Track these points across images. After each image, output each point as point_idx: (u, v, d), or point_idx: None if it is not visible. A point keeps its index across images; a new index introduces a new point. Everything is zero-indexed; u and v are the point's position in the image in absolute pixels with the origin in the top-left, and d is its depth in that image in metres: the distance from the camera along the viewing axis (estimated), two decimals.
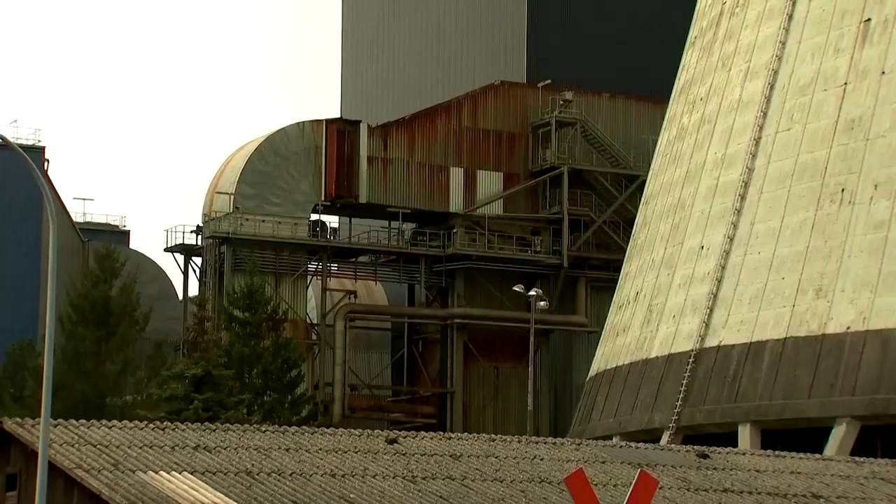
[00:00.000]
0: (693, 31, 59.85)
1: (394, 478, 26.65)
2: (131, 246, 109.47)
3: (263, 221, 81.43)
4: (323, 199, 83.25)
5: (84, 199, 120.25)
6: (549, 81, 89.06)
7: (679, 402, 48.33)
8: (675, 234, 54.47)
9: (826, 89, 48.66)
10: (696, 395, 48.31)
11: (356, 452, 28.28)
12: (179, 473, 24.61)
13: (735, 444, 43.63)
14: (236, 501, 23.45)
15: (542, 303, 68.22)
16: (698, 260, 51.63)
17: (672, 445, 42.31)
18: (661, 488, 21.84)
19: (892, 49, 47.23)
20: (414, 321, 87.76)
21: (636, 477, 17.18)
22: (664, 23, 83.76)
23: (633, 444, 38.94)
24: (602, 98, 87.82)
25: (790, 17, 51.19)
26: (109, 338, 64.66)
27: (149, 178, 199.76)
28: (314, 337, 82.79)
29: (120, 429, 27.87)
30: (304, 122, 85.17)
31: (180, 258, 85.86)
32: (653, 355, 52.02)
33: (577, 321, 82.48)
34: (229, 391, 56.91)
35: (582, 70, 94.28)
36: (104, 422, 29.37)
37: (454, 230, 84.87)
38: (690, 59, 59.15)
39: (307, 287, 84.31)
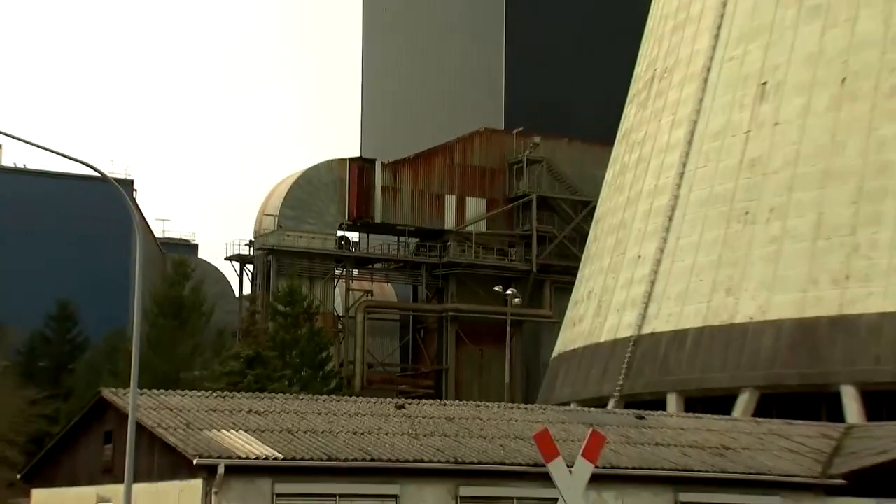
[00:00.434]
0: (632, 91, 59.82)
1: (401, 435, 26.62)
2: (199, 256, 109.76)
3: (301, 237, 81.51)
4: (346, 219, 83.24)
5: (163, 220, 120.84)
6: (521, 128, 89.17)
7: (622, 376, 48.32)
8: (618, 246, 54.36)
9: (733, 136, 48.62)
10: (635, 371, 48.29)
11: (372, 415, 28.23)
12: (236, 431, 24.60)
13: (664, 409, 43.75)
14: (280, 453, 23.45)
15: (516, 300, 68.22)
16: (636, 267, 51.55)
17: (616, 410, 42.49)
18: (608, 443, 21.88)
19: (782, 105, 47.13)
20: (417, 314, 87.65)
21: (588, 434, 17.19)
22: (610, 83, 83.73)
23: (586, 409, 39.15)
24: (563, 142, 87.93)
25: (705, 80, 51.33)
26: (182, 327, 64.60)
27: (213, 203, 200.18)
28: (340, 326, 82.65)
29: (190, 397, 27.89)
30: (332, 160, 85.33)
31: (237, 265, 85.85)
32: (601, 340, 52.00)
33: (543, 314, 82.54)
34: (274, 368, 56.92)
35: (548, 120, 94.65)
36: (178, 391, 29.44)
37: (448, 243, 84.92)
38: (630, 112, 59.09)
39: (334, 287, 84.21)
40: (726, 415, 39.57)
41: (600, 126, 78.66)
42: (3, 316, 70.37)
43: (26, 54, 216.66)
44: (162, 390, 28.84)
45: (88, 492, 28.13)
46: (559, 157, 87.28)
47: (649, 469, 27.04)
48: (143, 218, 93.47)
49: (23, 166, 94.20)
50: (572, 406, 44.84)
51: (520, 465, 25.27)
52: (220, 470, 22.07)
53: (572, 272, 64.90)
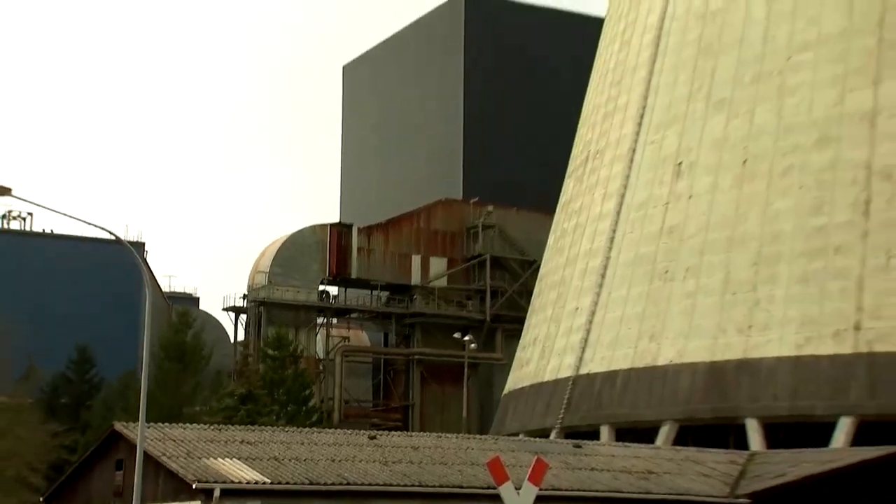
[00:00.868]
0: (570, 168, 60.17)
1: (373, 462, 26.54)
2: (200, 307, 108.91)
3: (288, 291, 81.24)
4: (327, 275, 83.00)
5: (170, 276, 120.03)
6: (477, 199, 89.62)
7: (562, 410, 48.16)
8: (559, 300, 54.43)
9: (655, 207, 48.77)
10: (574, 406, 48.14)
11: (348, 445, 28.16)
12: (230, 459, 24.47)
13: (598, 439, 43.62)
14: (268, 478, 23.34)
15: (472, 345, 68.13)
16: (574, 317, 51.53)
17: (557, 440, 42.54)
18: (550, 468, 21.92)
19: (695, 182, 47.36)
20: (387, 357, 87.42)
21: (534, 461, 17.23)
22: (552, 162, 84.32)
23: (532, 439, 39.09)
24: (512, 211, 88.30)
25: (631, 160, 51.72)
26: (185, 369, 64.08)
27: (212, 261, 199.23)
28: (321, 368, 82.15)
29: (191, 429, 27.73)
30: (315, 224, 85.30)
31: (232, 315, 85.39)
32: (545, 380, 51.89)
33: (495, 357, 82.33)
34: (264, 404, 56.61)
35: (500, 192, 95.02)
36: (180, 425, 29.29)
37: (414, 297, 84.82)
38: (568, 186, 59.39)
39: (316, 334, 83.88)
40: (650, 444, 39.51)
41: (544, 197, 79.16)
42: (30, 359, 69.61)
43: (50, 131, 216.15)
44: (166, 424, 28.69)
45: None
46: (509, 224, 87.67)
47: (586, 491, 27.13)
48: (153, 275, 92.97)
49: (51, 231, 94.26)
50: (520, 436, 44.68)
51: (475, 488, 25.26)
52: (216, 493, 22.03)
53: (520, 321, 64.91)
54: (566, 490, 26.50)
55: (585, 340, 49.37)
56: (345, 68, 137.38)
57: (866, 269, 39.68)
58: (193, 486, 21.97)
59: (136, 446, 22.87)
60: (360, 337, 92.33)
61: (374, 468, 25.96)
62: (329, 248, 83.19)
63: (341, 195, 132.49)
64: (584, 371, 48.66)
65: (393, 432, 36.07)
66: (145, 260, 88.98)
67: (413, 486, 25.02)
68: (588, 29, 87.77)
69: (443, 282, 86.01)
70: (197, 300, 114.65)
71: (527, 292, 72.74)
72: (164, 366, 63.68)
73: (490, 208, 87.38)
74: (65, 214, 23.85)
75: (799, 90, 44.43)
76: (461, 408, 67.93)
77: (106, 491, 27.98)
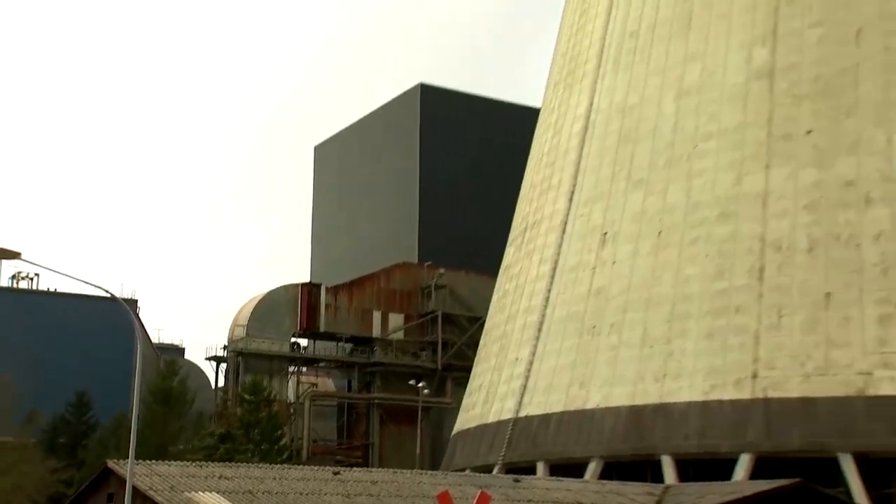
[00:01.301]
0: (511, 237, 60.50)
1: (337, 495, 26.33)
2: (186, 357, 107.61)
3: (263, 342, 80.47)
4: (298, 329, 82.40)
5: (159, 329, 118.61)
6: (430, 263, 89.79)
7: (504, 449, 47.79)
8: (501, 351, 54.29)
9: (584, 271, 48.97)
10: (514, 445, 47.79)
11: (315, 480, 27.89)
12: (210, 493, 24.18)
13: (535, 474, 43.41)
14: None
15: (425, 391, 68.02)
16: (515, 366, 51.33)
17: (499, 475, 42.20)
18: (493, 500, 21.94)
19: (617, 250, 47.58)
20: (350, 401, 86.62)
21: (478, 494, 17.28)
22: (496, 232, 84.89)
23: (477, 474, 38.88)
24: (461, 273, 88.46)
25: (563, 231, 51.92)
26: (171, 411, 63.45)
27: (197, 316, 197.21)
28: (291, 411, 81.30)
29: (175, 466, 27.34)
30: (288, 284, 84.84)
31: (214, 364, 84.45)
32: (489, 421, 51.56)
33: (445, 402, 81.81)
34: (240, 443, 55.96)
35: (450, 257, 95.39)
36: (166, 462, 28.89)
37: (375, 348, 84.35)
38: (510, 252, 59.67)
39: (288, 381, 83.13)
40: (580, 478, 39.44)
41: (489, 262, 79.52)
42: (33, 403, 68.43)
43: (54, 200, 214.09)
44: (153, 461, 28.30)
45: None
46: (458, 284, 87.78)
47: None
48: (144, 328, 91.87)
49: (55, 290, 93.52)
50: (467, 472, 44.40)
51: None
52: None
53: (468, 370, 64.80)
54: None
55: (524, 387, 49.23)
56: (316, 148, 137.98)
57: (761, 326, 40.09)
58: None
59: (126, 481, 22.54)
60: (327, 383, 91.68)
61: (338, 500, 25.74)
62: (300, 304, 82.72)
63: (312, 258, 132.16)
64: (522, 414, 48.52)
65: (355, 468, 35.78)
66: (137, 315, 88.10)
67: None
68: (526, 117, 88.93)
69: (400, 335, 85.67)
70: (183, 350, 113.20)
71: (473, 344, 72.72)
72: (153, 409, 62.87)
73: (442, 271, 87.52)
74: (68, 275, 23.85)
75: (704, 173, 45.09)
76: (416, 446, 67.50)
77: None
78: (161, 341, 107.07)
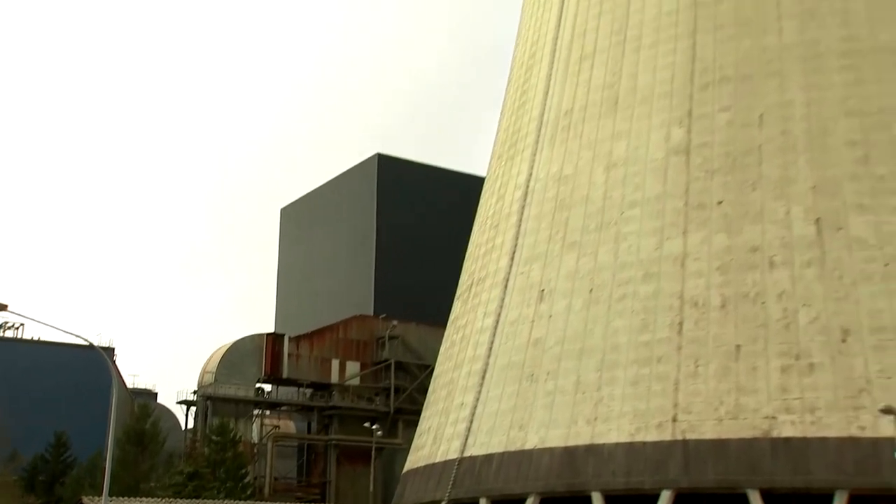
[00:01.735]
0: (458, 292, 60.45)
1: None
2: (158, 400, 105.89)
3: (230, 387, 79.81)
4: (263, 375, 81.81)
5: (134, 375, 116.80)
6: (385, 315, 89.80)
7: (450, 486, 47.33)
8: (448, 396, 53.81)
9: (523, 324, 49.07)
10: (459, 482, 47.23)
11: None
12: None
13: None
14: None
15: (378, 433, 67.83)
16: (460, 411, 51.02)
17: None
18: None
19: (554, 305, 47.77)
20: (310, 442, 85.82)
21: None
22: (444, 286, 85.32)
23: None
24: (412, 325, 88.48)
25: (505, 287, 51.91)
26: (143, 451, 62.57)
27: (170, 363, 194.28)
28: (255, 451, 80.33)
29: (147, 502, 27.15)
30: (254, 334, 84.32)
31: (184, 407, 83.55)
32: (436, 461, 50.89)
33: (397, 443, 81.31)
34: (207, 481, 55.29)
35: (403, 309, 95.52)
36: (138, 498, 28.66)
37: (333, 393, 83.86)
38: (457, 306, 59.59)
39: (253, 423, 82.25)
40: None
41: (438, 314, 79.91)
42: (15, 443, 66.98)
43: (39, 254, 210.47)
44: (126, 497, 28.12)
45: None
46: (410, 335, 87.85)
47: None
48: (119, 374, 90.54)
49: (38, 338, 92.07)
50: None
51: None
52: None
53: (417, 413, 64.58)
54: None
55: (468, 429, 48.99)
56: (282, 210, 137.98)
57: (680, 374, 40.63)
58: None
59: None
60: (288, 425, 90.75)
61: None
62: (265, 353, 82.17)
63: (276, 310, 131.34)
64: (467, 454, 48.28)
65: None
66: (114, 362, 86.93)
67: None
68: (473, 185, 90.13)
69: (356, 381, 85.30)
70: (156, 395, 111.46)
71: (423, 390, 72.76)
72: (126, 449, 61.93)
73: (395, 323, 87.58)
74: (51, 326, 23.94)
75: (630, 237, 45.82)
76: (369, 483, 67.13)
77: None
78: (136, 386, 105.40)
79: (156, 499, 28.98)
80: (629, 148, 47.81)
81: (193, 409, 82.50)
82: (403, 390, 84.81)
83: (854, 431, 36.13)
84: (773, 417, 37.55)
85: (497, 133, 63.11)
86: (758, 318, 40.06)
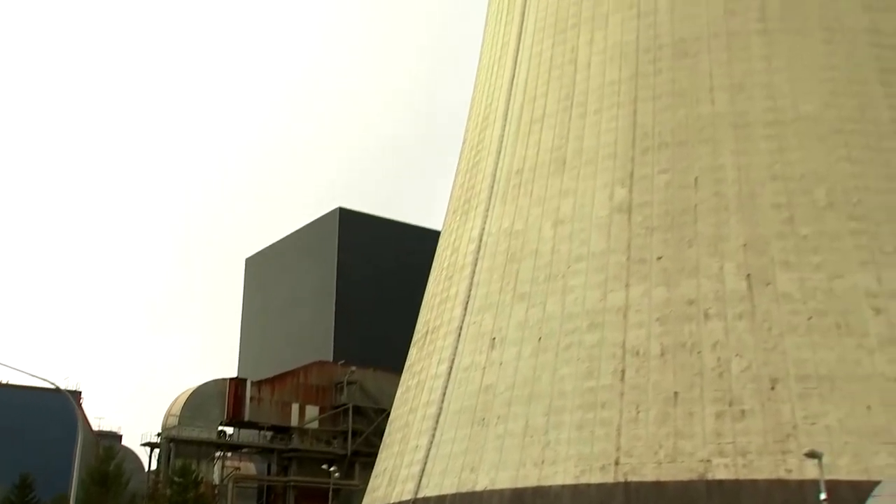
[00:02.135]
0: (414, 340, 60.54)
1: None
2: (123, 443, 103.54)
3: (193, 430, 78.44)
4: (226, 419, 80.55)
5: (99, 418, 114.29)
6: (343, 362, 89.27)
7: None
8: (403, 439, 53.61)
9: (475, 370, 49.22)
10: None
11: None
12: None
13: None
14: None
15: (336, 474, 66.99)
16: (415, 453, 50.91)
17: None
18: None
19: (504, 352, 47.92)
20: (270, 483, 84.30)
21: None
22: (401, 334, 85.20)
23: None
24: (370, 371, 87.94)
25: (458, 335, 52.20)
26: (107, 492, 61.05)
27: (134, 406, 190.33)
28: (216, 492, 78.66)
29: None
30: (217, 378, 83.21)
31: (148, 449, 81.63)
32: (392, 502, 50.54)
33: (354, 484, 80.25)
34: None
35: (360, 356, 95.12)
36: None
37: (293, 436, 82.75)
38: (413, 353, 59.63)
39: (215, 465, 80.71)
40: None
41: (394, 361, 79.69)
42: None
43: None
44: None
45: None
46: (367, 381, 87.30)
47: None
48: (85, 417, 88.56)
49: (7, 382, 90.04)
50: None
51: None
52: None
53: (374, 456, 64.08)
54: None
55: (422, 471, 48.83)
56: (247, 260, 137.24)
57: (623, 419, 41.01)
58: None
59: None
60: (249, 467, 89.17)
61: None
62: (228, 397, 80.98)
63: (240, 355, 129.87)
64: (421, 495, 48.06)
65: None
66: (80, 405, 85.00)
67: None
68: (429, 238, 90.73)
69: (315, 424, 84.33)
70: (120, 437, 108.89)
71: (379, 433, 72.23)
72: (91, 490, 60.45)
73: (353, 369, 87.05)
74: (20, 370, 23.62)
75: (576, 289, 46.44)
76: None
77: None
78: (101, 428, 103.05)
79: None
80: (576, 206, 48.64)
81: (157, 451, 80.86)
82: (360, 433, 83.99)
83: (782, 474, 36.69)
84: (708, 461, 38.01)
85: (453, 190, 63.80)
86: (694, 367, 40.69)
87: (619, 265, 44.99)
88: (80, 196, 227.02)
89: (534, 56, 55.97)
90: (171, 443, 77.89)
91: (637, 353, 42.23)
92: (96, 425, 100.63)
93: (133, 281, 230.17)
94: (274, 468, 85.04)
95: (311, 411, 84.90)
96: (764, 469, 37.03)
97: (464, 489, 45.30)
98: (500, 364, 47.79)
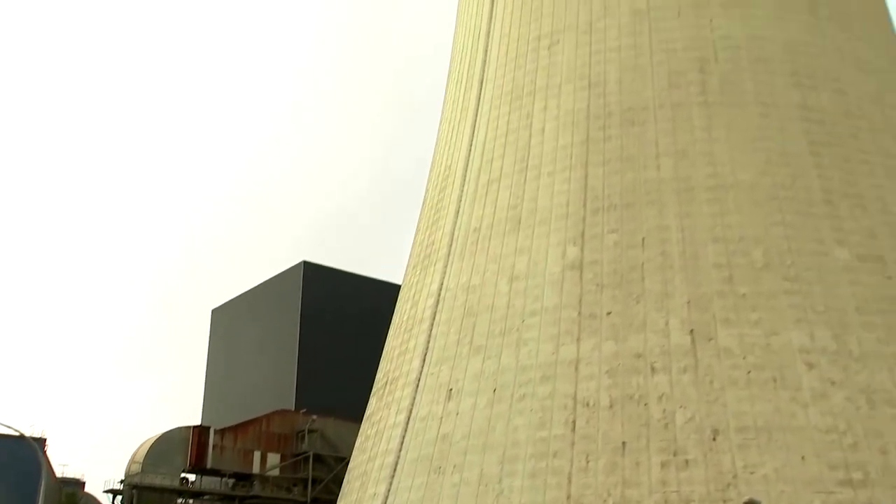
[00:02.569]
0: (374, 389, 59.90)
1: None
2: (86, 489, 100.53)
3: (157, 477, 76.56)
4: (189, 466, 78.81)
5: (63, 465, 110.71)
6: (305, 410, 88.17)
7: None
8: (362, 487, 52.81)
9: (433, 420, 49.02)
10: None
11: None
12: None
13: None
14: None
15: None
16: (373, 500, 50.13)
17: None
18: None
19: (461, 403, 47.56)
20: None
21: None
22: (361, 385, 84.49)
23: None
24: (330, 420, 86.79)
25: (416, 386, 51.94)
26: None
27: (98, 453, 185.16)
28: None
29: None
30: (181, 426, 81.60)
31: (111, 496, 79.46)
32: None
33: None
34: None
35: (322, 405, 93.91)
36: None
37: (255, 483, 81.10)
38: (372, 402, 58.96)
39: None
40: None
41: (355, 410, 78.74)
42: None
43: None
44: None
45: None
46: (328, 429, 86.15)
47: None
48: (49, 464, 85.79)
49: None
50: None
51: None
52: None
53: (333, 502, 63.08)
54: None
55: None
56: (213, 311, 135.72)
57: (573, 468, 41.10)
58: None
59: None
60: None
61: None
62: (191, 444, 79.31)
63: (204, 403, 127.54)
64: None
65: None
66: (45, 452, 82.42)
67: None
68: (389, 291, 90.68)
69: (276, 472, 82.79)
70: (84, 484, 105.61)
71: (339, 481, 71.11)
72: None
73: (314, 417, 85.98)
74: None
75: (530, 342, 46.70)
76: None
77: None
78: (65, 475, 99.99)
79: None
80: (530, 263, 49.26)
81: (120, 497, 78.64)
82: (320, 481, 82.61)
83: None
84: None
85: (413, 245, 64.18)
86: (641, 418, 41.03)
87: (571, 320, 45.46)
88: (49, 243, 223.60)
89: (491, 121, 57.10)
90: (133, 489, 75.95)
91: (587, 405, 42.48)
92: (60, 472, 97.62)
93: (100, 329, 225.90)
94: None
95: (273, 459, 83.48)
96: None
97: None
98: (457, 414, 47.61)
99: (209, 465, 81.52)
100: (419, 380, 53.05)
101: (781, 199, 45.40)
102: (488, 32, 58.87)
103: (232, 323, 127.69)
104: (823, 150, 46.83)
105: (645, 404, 41.19)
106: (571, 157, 50.75)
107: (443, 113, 66.28)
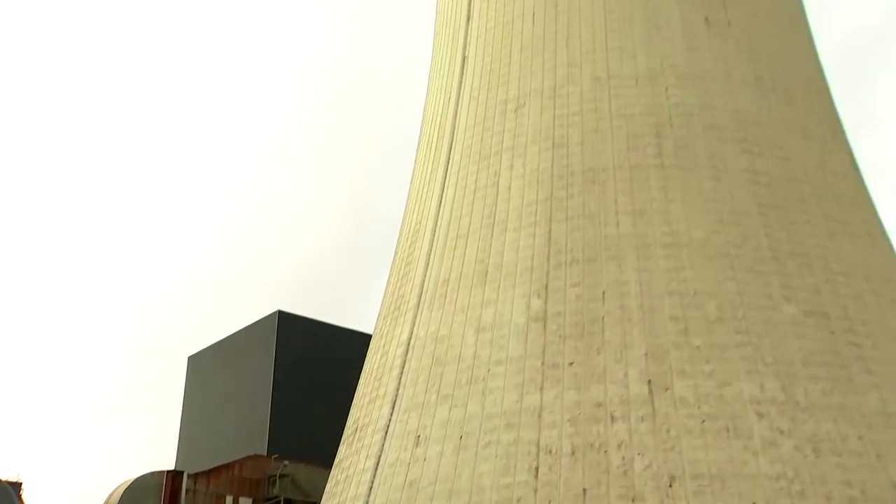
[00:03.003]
0: (344, 436, 58.18)
1: None
2: None
3: None
4: None
5: None
6: (276, 455, 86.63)
7: None
8: None
9: (400, 466, 46.89)
10: None
11: None
12: None
13: None
14: None
15: None
16: None
17: None
18: None
19: (428, 449, 46.42)
20: None
21: None
22: (332, 430, 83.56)
23: None
24: (302, 465, 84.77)
25: (385, 433, 50.11)
26: None
27: (73, 498, 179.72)
28: None
29: None
30: (155, 471, 79.60)
31: None
32: None
33: None
34: None
35: (294, 450, 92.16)
36: None
37: None
38: (342, 449, 56.71)
39: None
40: None
41: (326, 456, 77.37)
42: None
43: None
44: None
45: None
46: (299, 474, 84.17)
47: None
48: None
49: None
50: None
51: None
52: None
53: None
54: None
55: None
56: (189, 358, 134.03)
57: None
58: None
59: None
60: None
61: None
62: (164, 489, 77.23)
63: (178, 448, 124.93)
64: None
65: None
66: (20, 496, 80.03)
67: None
68: (360, 340, 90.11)
69: None
70: None
71: None
72: None
73: (286, 463, 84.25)
74: None
75: (495, 391, 46.26)
76: None
77: None
78: None
79: None
80: (496, 314, 49.34)
81: None
82: None
83: None
84: None
85: (384, 296, 63.97)
86: (601, 465, 40.93)
87: (535, 369, 45.19)
88: (26, 286, 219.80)
89: (460, 179, 57.77)
90: None
91: (550, 452, 42.18)
92: None
93: (77, 374, 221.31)
94: None
95: (245, 503, 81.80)
96: None
97: None
98: (424, 460, 46.38)
99: None
100: (388, 427, 50.90)
101: (733, 257, 46.25)
102: (458, 96, 60.03)
103: (207, 369, 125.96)
104: (771, 211, 47.98)
105: (605, 452, 41.09)
106: (536, 214, 51.36)
107: (413, 171, 66.85)
